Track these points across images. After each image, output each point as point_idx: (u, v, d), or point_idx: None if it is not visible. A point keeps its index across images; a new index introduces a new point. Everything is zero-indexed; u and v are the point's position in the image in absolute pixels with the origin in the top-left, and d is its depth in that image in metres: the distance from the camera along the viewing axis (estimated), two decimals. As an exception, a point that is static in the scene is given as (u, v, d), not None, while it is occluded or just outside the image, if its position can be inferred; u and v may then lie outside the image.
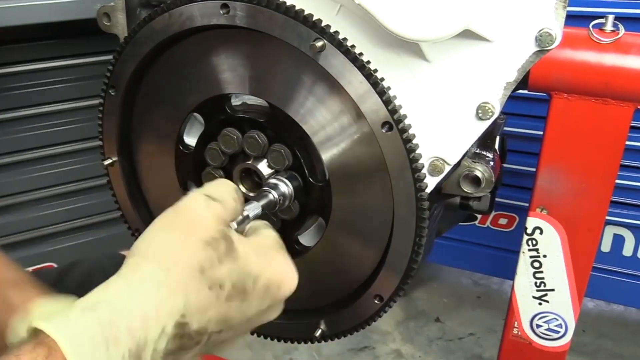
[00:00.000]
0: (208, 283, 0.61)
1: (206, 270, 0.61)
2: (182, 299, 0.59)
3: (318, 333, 0.93)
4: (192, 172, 0.95)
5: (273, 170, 0.89)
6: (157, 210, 1.03)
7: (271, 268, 0.68)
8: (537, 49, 0.78)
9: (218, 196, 0.67)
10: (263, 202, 0.82)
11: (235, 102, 0.92)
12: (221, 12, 0.81)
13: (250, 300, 0.65)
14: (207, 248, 0.62)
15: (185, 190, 0.99)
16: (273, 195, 0.84)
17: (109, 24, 1.05)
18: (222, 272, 0.62)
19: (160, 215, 0.66)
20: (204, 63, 0.90)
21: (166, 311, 0.58)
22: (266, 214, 0.91)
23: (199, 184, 0.97)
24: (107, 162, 0.99)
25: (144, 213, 1.03)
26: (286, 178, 0.86)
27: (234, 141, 0.89)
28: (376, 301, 0.88)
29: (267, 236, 0.73)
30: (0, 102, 1.64)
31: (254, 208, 0.77)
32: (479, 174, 0.88)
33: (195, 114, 0.94)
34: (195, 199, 0.66)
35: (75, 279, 1.10)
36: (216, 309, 0.62)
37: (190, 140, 0.96)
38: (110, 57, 0.92)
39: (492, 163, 0.90)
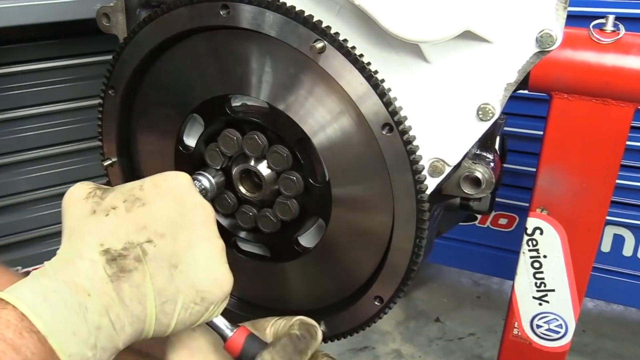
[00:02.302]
0: (103, 213, 0.69)
1: (95, 209, 0.70)
2: (87, 234, 0.67)
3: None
4: (191, 172, 0.95)
5: (273, 171, 0.89)
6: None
7: (151, 177, 0.75)
8: (538, 50, 0.78)
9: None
10: None
11: (235, 103, 0.92)
12: (221, 12, 0.81)
13: (151, 201, 0.71)
14: (87, 199, 0.71)
15: None
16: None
17: (108, 24, 1.04)
18: (107, 201, 0.71)
19: None
20: (204, 64, 0.90)
21: (87, 251, 0.66)
22: (266, 214, 0.92)
23: None
24: (106, 163, 0.99)
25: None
26: (210, 174, 0.88)
27: (234, 142, 0.89)
28: (376, 302, 0.88)
29: None
30: (0, 102, 1.64)
31: None
32: (479, 175, 0.88)
33: (195, 115, 0.94)
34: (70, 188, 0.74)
35: None
36: (124, 223, 0.69)
37: (190, 141, 0.96)
38: (110, 57, 0.92)
39: (492, 164, 0.90)
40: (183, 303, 0.70)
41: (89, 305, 0.62)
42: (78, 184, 0.74)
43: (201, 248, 0.72)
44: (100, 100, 0.96)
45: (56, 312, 0.60)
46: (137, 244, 0.67)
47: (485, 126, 0.81)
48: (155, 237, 0.69)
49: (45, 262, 0.66)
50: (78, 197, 0.72)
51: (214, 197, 0.91)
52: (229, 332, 0.79)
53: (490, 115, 0.81)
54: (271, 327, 0.86)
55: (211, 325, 0.79)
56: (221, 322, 0.79)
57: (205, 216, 0.74)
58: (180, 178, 0.76)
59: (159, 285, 0.68)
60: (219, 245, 0.75)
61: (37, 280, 0.63)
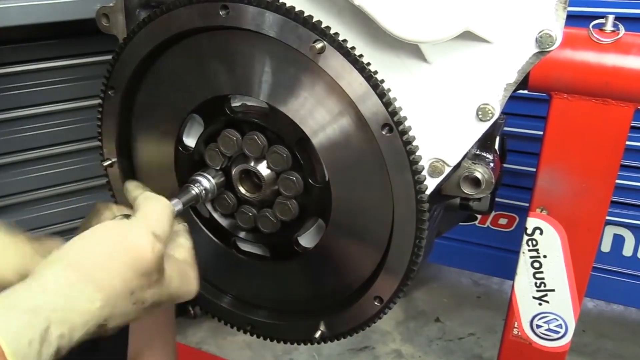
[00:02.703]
0: (133, 300, 0.70)
1: (135, 292, 0.69)
2: (109, 311, 0.66)
3: (318, 334, 0.93)
4: (191, 173, 0.95)
5: (272, 172, 0.89)
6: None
7: (184, 287, 0.78)
8: (537, 50, 0.78)
9: (162, 232, 0.73)
10: (184, 198, 0.85)
11: (235, 103, 0.92)
12: (221, 13, 0.81)
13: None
14: (142, 277, 0.70)
15: None
16: (195, 190, 0.87)
17: (108, 24, 1.04)
18: (147, 294, 0.71)
19: (97, 231, 0.71)
20: (204, 64, 0.90)
21: (88, 316, 0.64)
22: (265, 214, 0.92)
23: None
24: (106, 163, 0.99)
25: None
26: (210, 175, 0.89)
27: (234, 142, 0.89)
28: (376, 303, 0.88)
29: (184, 247, 0.82)
30: (0, 102, 1.64)
31: (175, 204, 0.81)
32: (479, 175, 0.88)
33: (195, 115, 0.94)
34: (141, 235, 0.71)
35: None
36: (133, 315, 0.71)
37: (190, 141, 0.96)
38: (110, 57, 0.92)
39: (492, 164, 0.90)
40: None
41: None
42: (159, 248, 0.72)
43: None
44: (100, 101, 0.96)
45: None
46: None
47: (484, 126, 0.82)
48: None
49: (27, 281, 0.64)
50: (143, 268, 0.70)
51: (214, 198, 0.91)
52: None
53: (490, 115, 0.81)
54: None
55: None
56: None
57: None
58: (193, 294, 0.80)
59: None
60: None
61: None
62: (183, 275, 0.78)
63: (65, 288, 0.64)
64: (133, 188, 0.88)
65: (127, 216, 0.76)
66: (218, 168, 0.92)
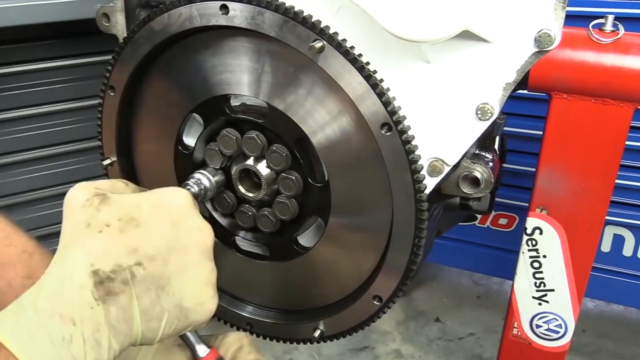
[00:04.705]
0: (96, 229, 0.68)
1: (90, 221, 0.69)
2: (80, 250, 0.67)
3: (317, 334, 0.93)
4: (191, 172, 0.96)
5: (272, 171, 0.89)
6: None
7: (149, 194, 0.76)
8: (536, 49, 0.78)
9: (84, 182, 0.75)
10: None
11: (235, 102, 0.92)
12: (221, 13, 0.81)
13: (146, 223, 0.71)
14: (83, 208, 0.70)
15: None
16: (194, 188, 0.86)
17: (108, 24, 1.05)
18: (102, 215, 0.70)
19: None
20: (203, 64, 0.90)
21: (76, 271, 0.65)
22: (265, 214, 0.92)
23: None
24: (106, 162, 0.99)
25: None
26: (210, 174, 0.89)
27: (233, 142, 0.89)
28: (375, 302, 0.88)
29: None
30: (0, 102, 1.64)
31: None
32: (478, 174, 0.88)
33: (195, 115, 0.94)
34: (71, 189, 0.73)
35: None
36: (116, 244, 0.68)
37: (190, 140, 0.96)
38: (110, 57, 0.92)
39: (491, 164, 0.90)
40: (167, 320, 0.71)
41: (74, 335, 0.63)
42: (79, 186, 0.74)
43: (192, 271, 0.74)
44: (100, 100, 0.96)
45: (42, 350, 0.61)
46: (126, 267, 0.68)
47: (484, 126, 0.81)
48: (145, 260, 0.69)
49: (36, 283, 0.66)
50: (77, 203, 0.71)
51: (213, 196, 0.91)
52: (202, 353, 0.84)
53: (489, 114, 0.81)
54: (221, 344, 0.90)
55: (186, 340, 0.84)
56: (196, 340, 0.84)
57: (201, 240, 0.75)
58: (180, 199, 0.76)
59: (145, 305, 0.69)
60: (209, 269, 0.76)
61: (25, 314, 0.63)
62: (141, 193, 0.76)
63: None
64: None
65: None
66: (218, 167, 0.92)
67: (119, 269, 0.67)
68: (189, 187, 0.87)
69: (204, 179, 0.88)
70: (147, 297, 0.69)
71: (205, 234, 0.76)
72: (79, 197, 0.72)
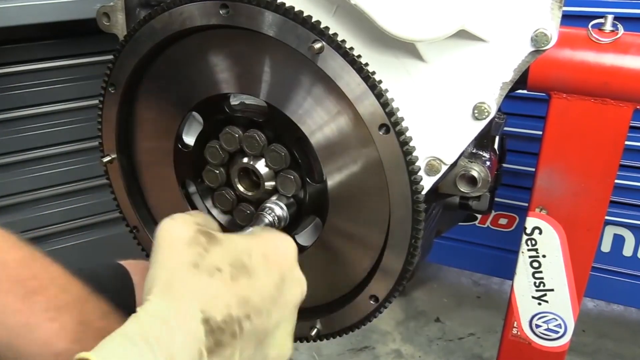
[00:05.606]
0: (206, 272, 0.63)
1: (198, 263, 0.63)
2: (190, 294, 0.61)
3: (314, 332, 0.93)
4: (190, 170, 0.96)
5: (271, 170, 0.89)
6: (155, 209, 1.04)
7: (260, 240, 0.72)
8: (533, 49, 0.78)
9: (181, 214, 0.70)
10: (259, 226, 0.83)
11: (234, 101, 0.92)
12: (221, 12, 0.81)
13: (257, 273, 0.67)
14: (190, 246, 0.65)
15: (183, 188, 0.99)
16: (268, 219, 0.85)
17: (108, 23, 1.05)
18: (213, 257, 0.65)
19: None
20: (203, 62, 0.90)
21: (187, 316, 0.59)
22: (263, 214, 0.92)
23: (197, 182, 0.97)
24: (106, 159, 0.99)
25: (142, 210, 1.04)
26: (282, 202, 0.87)
27: (235, 139, 0.89)
28: (371, 302, 0.88)
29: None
30: (0, 102, 1.65)
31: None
32: (475, 173, 0.88)
33: (194, 113, 0.94)
34: (162, 222, 0.68)
35: None
36: (228, 292, 0.63)
37: (189, 139, 0.97)
38: (110, 57, 0.93)
39: (488, 163, 0.90)
40: None
41: None
42: (178, 218, 0.68)
43: (285, 324, 0.71)
44: (100, 97, 0.96)
45: None
46: (236, 319, 0.63)
47: (481, 125, 0.82)
48: (254, 314, 0.65)
49: (139, 315, 0.59)
50: (181, 239, 0.65)
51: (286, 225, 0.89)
52: None
53: (486, 114, 0.81)
54: None
55: None
56: None
57: (300, 294, 0.73)
58: (290, 250, 0.74)
59: (243, 358, 0.64)
60: (294, 322, 0.74)
61: (134, 347, 0.56)
62: (249, 235, 0.73)
63: None
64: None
65: None
66: (218, 164, 0.92)
67: (230, 320, 0.62)
68: (263, 217, 0.85)
69: (277, 208, 0.87)
70: (247, 352, 0.65)
71: (303, 289, 0.74)
72: (182, 232, 0.66)
